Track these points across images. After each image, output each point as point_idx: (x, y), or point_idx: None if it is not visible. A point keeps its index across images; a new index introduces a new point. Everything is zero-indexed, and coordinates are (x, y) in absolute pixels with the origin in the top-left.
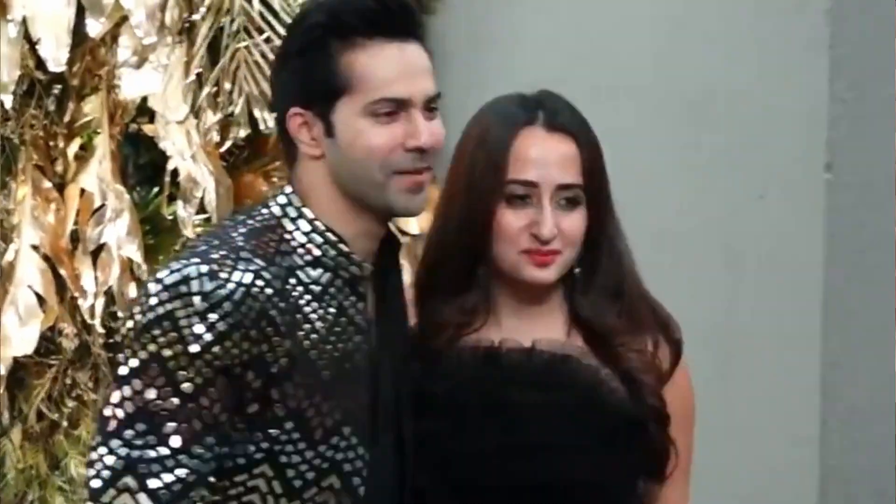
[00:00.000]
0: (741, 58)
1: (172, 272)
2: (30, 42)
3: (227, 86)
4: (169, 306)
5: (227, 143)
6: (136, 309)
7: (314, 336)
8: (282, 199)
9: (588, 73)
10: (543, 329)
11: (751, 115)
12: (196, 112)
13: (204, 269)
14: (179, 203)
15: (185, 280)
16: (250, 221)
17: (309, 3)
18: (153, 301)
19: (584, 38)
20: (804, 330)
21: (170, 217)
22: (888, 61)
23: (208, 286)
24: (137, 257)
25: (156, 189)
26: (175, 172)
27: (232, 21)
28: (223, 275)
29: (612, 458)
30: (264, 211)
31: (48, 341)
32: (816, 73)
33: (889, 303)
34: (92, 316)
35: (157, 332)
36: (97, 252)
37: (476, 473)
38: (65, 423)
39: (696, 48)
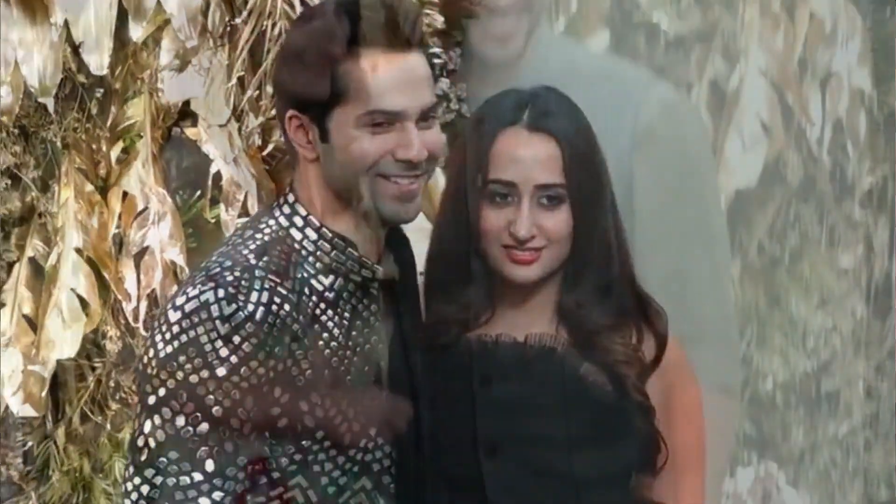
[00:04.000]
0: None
1: (190, 299)
2: (72, 46)
3: (269, 89)
4: (192, 333)
5: (269, 147)
6: (158, 337)
7: (333, 344)
8: (286, 209)
9: None
10: (535, 323)
11: None
12: (238, 116)
13: (221, 293)
14: (222, 206)
15: (205, 306)
16: (258, 235)
17: (312, 6)
18: (175, 329)
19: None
20: None
21: (212, 220)
22: None
23: (228, 310)
24: (180, 260)
25: (198, 192)
26: (217, 176)
27: (274, 25)
28: (241, 297)
29: (598, 451)
30: (271, 222)
31: (92, 344)
32: None
33: None
34: (135, 319)
35: (182, 359)
36: (140, 255)
37: (466, 466)
38: (108, 426)
39: None
